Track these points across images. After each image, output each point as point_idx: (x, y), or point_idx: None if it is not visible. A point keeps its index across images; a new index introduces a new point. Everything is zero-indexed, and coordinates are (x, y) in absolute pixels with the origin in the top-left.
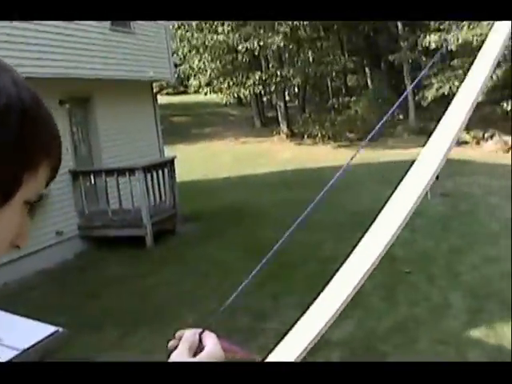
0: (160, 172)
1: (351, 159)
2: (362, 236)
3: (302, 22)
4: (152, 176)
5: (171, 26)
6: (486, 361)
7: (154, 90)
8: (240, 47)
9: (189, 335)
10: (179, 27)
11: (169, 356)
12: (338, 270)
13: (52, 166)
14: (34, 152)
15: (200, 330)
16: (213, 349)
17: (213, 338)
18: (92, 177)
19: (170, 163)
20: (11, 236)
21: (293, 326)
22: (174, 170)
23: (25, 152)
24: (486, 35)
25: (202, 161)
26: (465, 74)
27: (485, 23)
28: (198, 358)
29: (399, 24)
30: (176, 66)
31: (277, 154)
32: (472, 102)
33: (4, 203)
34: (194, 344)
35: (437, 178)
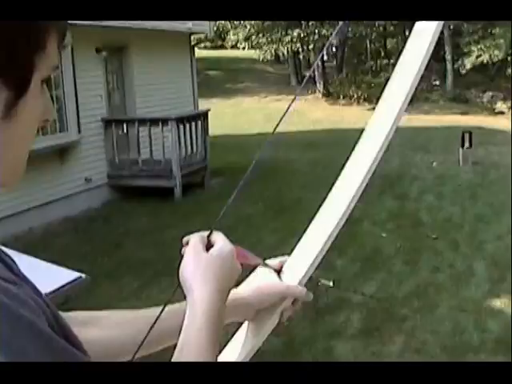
0: (193, 124)
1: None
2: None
3: None
4: (184, 128)
5: None
6: (503, 334)
7: (192, 43)
8: None
9: (197, 235)
10: None
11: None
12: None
13: (60, 33)
14: (39, 32)
15: (207, 232)
16: (223, 244)
17: (221, 235)
18: (124, 125)
19: (203, 116)
20: (40, 115)
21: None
22: (207, 124)
23: (30, 35)
24: None
25: (234, 116)
26: (506, 43)
27: None
28: (210, 252)
29: None
30: None
31: (310, 113)
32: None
33: (25, 91)
34: (204, 241)
35: (470, 145)
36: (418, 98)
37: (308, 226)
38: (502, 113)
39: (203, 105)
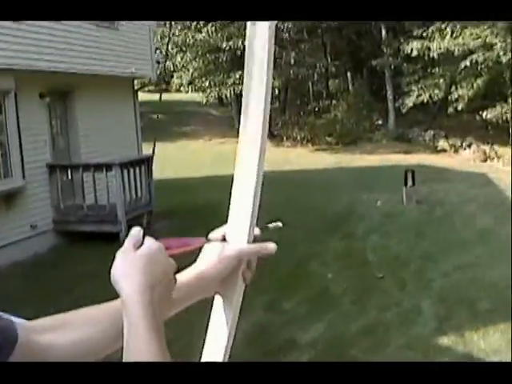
0: (137, 169)
1: None
2: (336, 239)
3: (285, 24)
4: (128, 172)
5: (155, 24)
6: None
7: (136, 87)
8: (224, 45)
9: (133, 232)
10: (161, 25)
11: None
12: None
13: None
14: None
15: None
16: (150, 242)
17: (150, 238)
18: (69, 171)
19: (147, 160)
20: None
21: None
22: (151, 168)
23: None
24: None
25: (180, 159)
26: (445, 83)
27: (467, 32)
28: (137, 252)
29: (383, 29)
30: (158, 63)
31: None
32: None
33: None
34: (138, 241)
35: (413, 184)
36: (361, 138)
37: (261, 270)
38: (444, 150)
39: (148, 148)
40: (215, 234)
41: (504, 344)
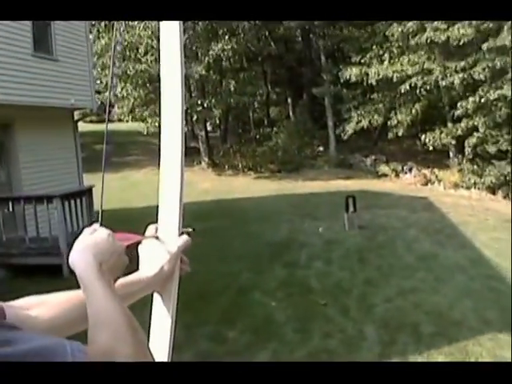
0: (78, 200)
1: None
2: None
3: (225, 52)
4: (70, 204)
5: (94, 55)
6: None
7: (77, 117)
8: None
9: (88, 229)
10: (101, 55)
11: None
12: None
13: None
14: None
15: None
16: (100, 229)
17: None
18: (10, 203)
19: (88, 192)
20: None
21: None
22: (92, 199)
23: None
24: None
25: (122, 190)
26: (385, 108)
27: (405, 59)
28: (90, 236)
29: (322, 56)
30: (99, 93)
31: (197, 184)
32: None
33: None
34: (94, 230)
35: (354, 210)
36: (303, 165)
37: (203, 300)
38: (385, 175)
39: (91, 179)
40: (150, 232)
41: None
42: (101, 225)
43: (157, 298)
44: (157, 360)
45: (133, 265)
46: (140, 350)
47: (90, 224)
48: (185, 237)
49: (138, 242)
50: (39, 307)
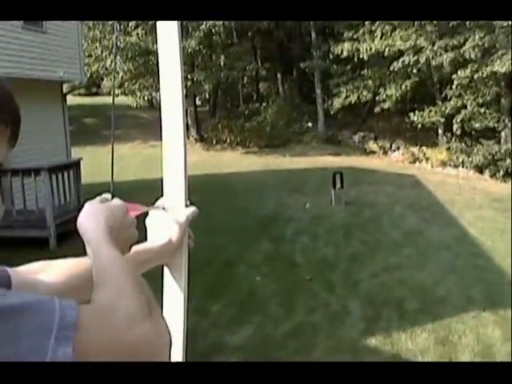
0: (65, 173)
1: None
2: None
3: (215, 28)
4: (57, 177)
5: (84, 25)
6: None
7: (66, 90)
8: (154, 48)
9: (104, 195)
10: (91, 28)
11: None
12: None
13: (6, 126)
14: None
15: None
16: (115, 199)
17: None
18: None
19: (75, 165)
20: None
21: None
22: (80, 172)
23: None
24: (398, 45)
25: (110, 163)
26: (374, 84)
27: (397, 36)
28: (103, 204)
29: (312, 32)
30: (89, 66)
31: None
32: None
33: None
34: (106, 199)
35: (341, 186)
36: (291, 141)
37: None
38: (373, 152)
39: (79, 152)
40: (159, 203)
41: (431, 344)
42: (112, 196)
43: (167, 272)
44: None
45: (140, 238)
46: (145, 309)
47: (78, 197)
48: (192, 207)
49: (146, 214)
50: (46, 272)
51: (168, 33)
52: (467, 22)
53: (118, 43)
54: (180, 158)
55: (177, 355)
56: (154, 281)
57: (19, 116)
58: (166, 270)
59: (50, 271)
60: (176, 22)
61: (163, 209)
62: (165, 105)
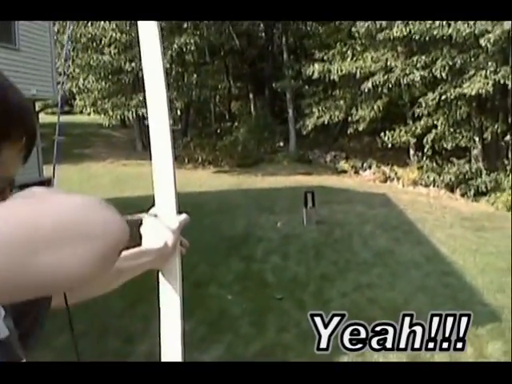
0: None
1: None
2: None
3: (188, 46)
4: None
5: (57, 44)
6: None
7: (39, 108)
8: (127, 67)
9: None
10: (64, 46)
11: None
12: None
13: (22, 138)
14: None
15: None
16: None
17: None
18: None
19: (47, 183)
20: None
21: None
22: None
23: None
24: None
25: (81, 181)
26: (346, 104)
27: (369, 56)
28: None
29: (284, 52)
30: (62, 84)
31: None
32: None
33: None
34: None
35: (313, 205)
36: (263, 160)
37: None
38: (344, 172)
39: (51, 170)
40: (152, 211)
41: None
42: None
43: (162, 277)
44: (171, 344)
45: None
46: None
47: None
48: (184, 214)
49: (139, 222)
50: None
51: (148, 33)
52: (438, 40)
53: (92, 61)
54: (169, 170)
55: (176, 355)
56: (150, 282)
57: (36, 132)
58: (160, 275)
59: None
60: (155, 22)
61: (155, 216)
62: (152, 120)
